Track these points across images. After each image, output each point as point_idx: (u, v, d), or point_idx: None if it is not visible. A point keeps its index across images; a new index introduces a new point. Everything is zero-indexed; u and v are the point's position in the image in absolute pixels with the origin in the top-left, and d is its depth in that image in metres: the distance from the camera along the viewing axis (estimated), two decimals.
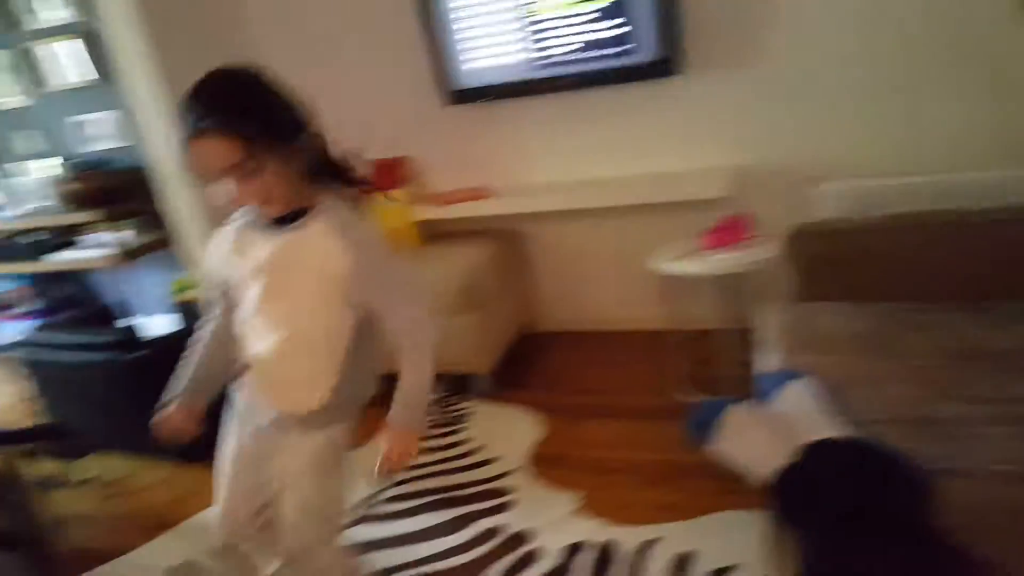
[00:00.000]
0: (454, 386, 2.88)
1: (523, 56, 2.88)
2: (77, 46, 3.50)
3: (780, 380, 1.40)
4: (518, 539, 1.95)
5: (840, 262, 1.94)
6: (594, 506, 2.04)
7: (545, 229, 3.22)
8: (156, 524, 2.29)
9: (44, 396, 2.83)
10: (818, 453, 1.19)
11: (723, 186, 2.64)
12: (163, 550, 2.16)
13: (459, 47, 2.93)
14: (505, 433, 2.50)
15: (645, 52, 2.70)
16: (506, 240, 3.14)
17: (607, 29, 2.72)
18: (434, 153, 3.23)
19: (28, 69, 3.67)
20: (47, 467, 2.33)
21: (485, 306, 2.75)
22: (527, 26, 2.82)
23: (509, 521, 2.03)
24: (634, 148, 2.95)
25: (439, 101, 3.05)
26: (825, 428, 1.25)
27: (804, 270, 1.96)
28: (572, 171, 3.07)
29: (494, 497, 2.15)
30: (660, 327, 2.99)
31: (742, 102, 2.75)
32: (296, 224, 1.28)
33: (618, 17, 2.68)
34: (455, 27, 2.90)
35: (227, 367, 1.50)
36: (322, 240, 1.27)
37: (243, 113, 1.17)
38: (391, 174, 3.09)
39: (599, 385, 2.77)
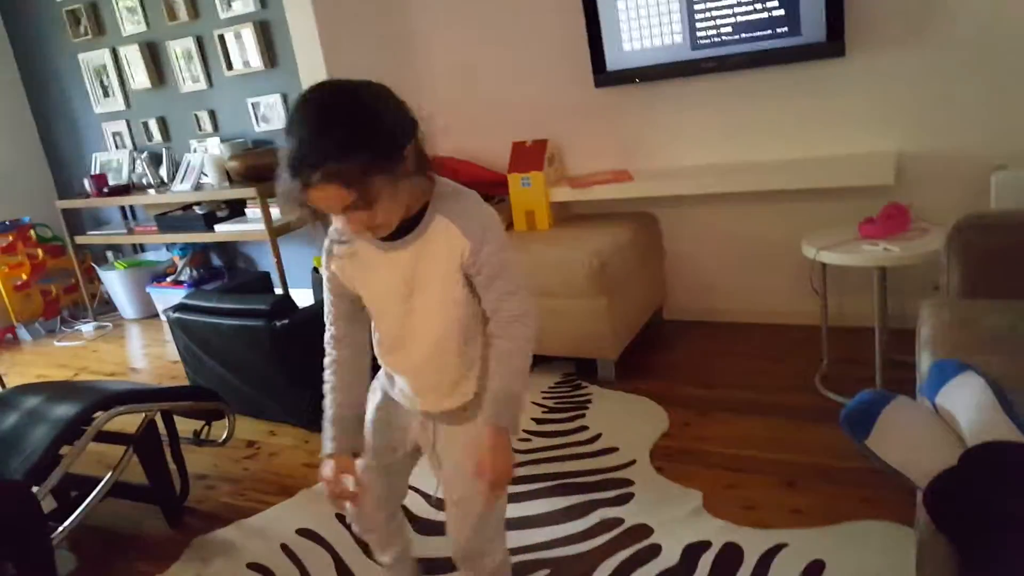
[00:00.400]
0: (578, 370, 2.86)
1: (679, 37, 2.84)
2: (253, 35, 3.78)
3: (945, 376, 1.26)
4: (638, 532, 1.90)
5: (1013, 257, 1.73)
6: (718, 505, 1.94)
7: (685, 214, 3.13)
8: (288, 487, 2.41)
9: (192, 358, 3.07)
10: (983, 457, 1.06)
11: (887, 173, 2.44)
12: (294, 512, 2.26)
13: (616, 28, 2.93)
14: (628, 422, 2.44)
15: (807, 31, 2.59)
16: (642, 224, 3.07)
17: (767, 8, 2.63)
18: (578, 135, 3.22)
19: (211, 56, 4.01)
20: (190, 425, 2.50)
21: (616, 290, 2.70)
22: (684, 6, 2.79)
23: (629, 513, 1.98)
24: (789, 132, 2.81)
25: (591, 82, 3.04)
26: (992, 430, 1.11)
27: (972, 264, 1.77)
28: (721, 155, 2.97)
29: (615, 487, 2.10)
30: (804, 322, 2.85)
31: (911, 83, 2.54)
32: (417, 231, 1.23)
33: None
34: (614, 7, 2.90)
35: (364, 394, 1.45)
36: (444, 236, 1.23)
37: (353, 152, 1.07)
38: (530, 156, 3.09)
39: (731, 379, 2.66)
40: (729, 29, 2.75)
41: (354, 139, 1.07)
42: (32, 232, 4.54)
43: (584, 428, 2.45)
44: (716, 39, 2.78)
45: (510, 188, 3.12)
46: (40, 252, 4.54)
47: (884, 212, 2.29)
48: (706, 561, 1.75)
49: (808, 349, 2.69)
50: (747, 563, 1.72)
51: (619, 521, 1.95)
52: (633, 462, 2.21)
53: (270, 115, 3.97)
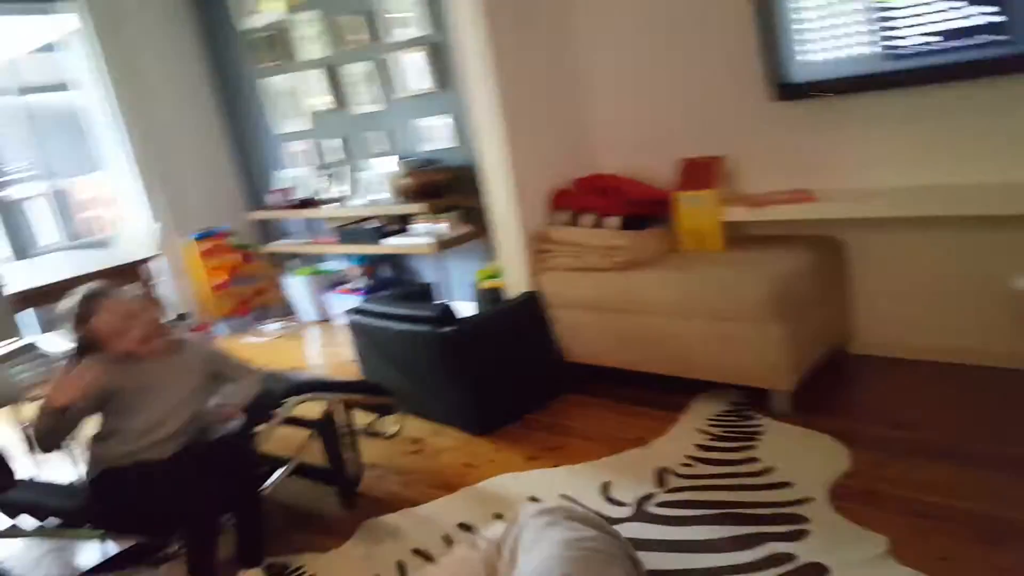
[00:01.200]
0: (749, 398, 2.74)
1: (868, 47, 2.65)
2: (422, 58, 4.01)
3: None
4: (812, 571, 1.79)
5: None
6: (906, 553, 1.79)
7: (872, 239, 2.92)
8: (450, 484, 2.51)
9: (366, 358, 3.27)
10: None
11: None
12: (454, 507, 2.36)
13: (796, 38, 2.79)
14: (802, 458, 2.31)
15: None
16: (823, 249, 2.90)
17: (975, 15, 2.39)
18: (753, 153, 3.11)
19: (382, 79, 4.30)
20: (363, 418, 2.67)
21: (794, 318, 2.57)
22: (876, 13, 2.59)
23: (803, 550, 1.87)
24: (1000, 152, 2.55)
25: (766, 96, 2.92)
26: None
27: None
28: (916, 177, 2.74)
29: (787, 523, 1.99)
30: (1015, 365, 2.57)
31: None
32: None
33: (990, 3, 2.35)
34: (794, 16, 2.76)
35: None
36: None
37: None
38: (702, 173, 3.04)
39: (926, 421, 2.42)
40: (932, 37, 2.52)
41: None
42: (229, 239, 5.05)
43: (754, 460, 2.35)
44: (915, 49, 2.56)
45: (679, 207, 3.07)
46: (235, 257, 5.04)
47: None
48: None
49: (1019, 394, 2.42)
50: None
51: (791, 557, 1.85)
52: (809, 499, 2.08)
53: (439, 135, 4.17)
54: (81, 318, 2.02)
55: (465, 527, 2.22)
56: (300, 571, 2.14)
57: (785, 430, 2.51)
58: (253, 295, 5.12)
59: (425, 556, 2.10)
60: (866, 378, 2.85)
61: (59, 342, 3.18)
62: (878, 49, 2.64)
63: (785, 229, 3.05)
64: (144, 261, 3.37)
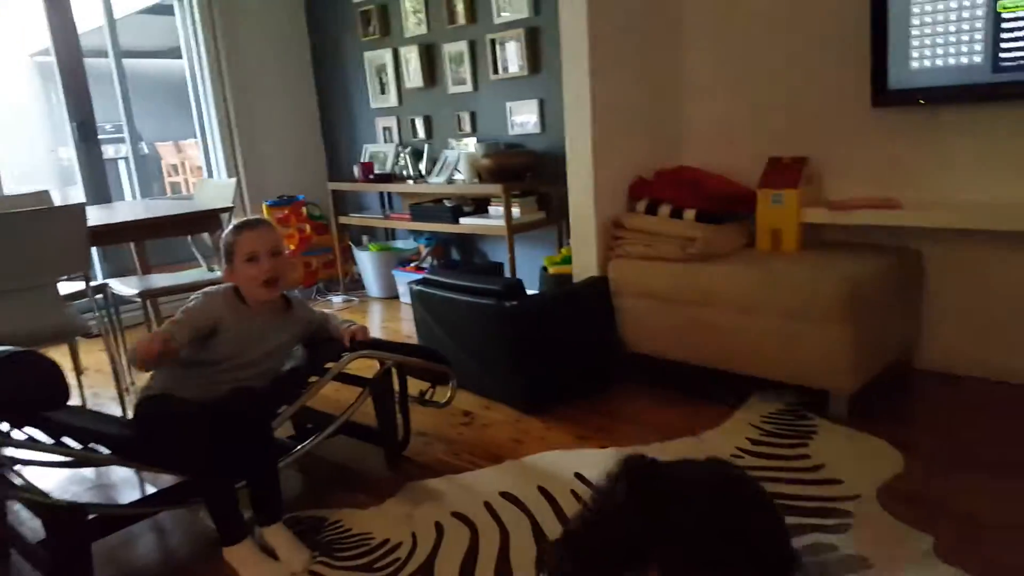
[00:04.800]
0: (806, 399, 2.83)
1: (978, 57, 2.71)
2: (521, 40, 4.21)
3: None
4: (853, 562, 1.86)
5: None
6: (953, 555, 1.84)
7: (956, 254, 2.96)
8: (496, 456, 2.66)
9: (425, 329, 3.45)
10: None
11: None
12: (498, 477, 2.50)
13: (907, 41, 2.86)
14: (854, 458, 2.38)
15: None
16: (903, 259, 2.96)
17: None
18: (842, 157, 3.19)
19: (476, 60, 4.53)
20: (417, 385, 2.83)
21: (863, 322, 2.64)
22: (990, 20, 2.65)
23: (845, 543, 1.95)
24: None
25: (869, 101, 3.00)
26: None
27: None
28: (1005, 193, 2.79)
29: (833, 516, 2.07)
30: None
31: None
32: None
33: None
34: (909, 21, 2.84)
35: None
36: None
37: None
38: (787, 172, 3.12)
39: (981, 438, 2.49)
40: None
41: None
42: (304, 209, 5.37)
43: (805, 456, 2.43)
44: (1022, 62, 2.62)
45: (759, 204, 3.16)
46: (308, 227, 5.35)
47: None
48: None
49: None
50: None
51: (833, 547, 1.93)
52: (857, 496, 2.16)
53: (526, 120, 4.36)
54: (239, 226, 2.27)
55: (507, 496, 2.36)
56: (336, 525, 2.27)
57: (839, 431, 2.59)
58: (321, 266, 5.42)
59: (465, 520, 2.24)
60: (928, 391, 2.92)
61: (125, 287, 3.51)
62: (986, 59, 2.69)
63: (865, 237, 3.11)
64: (218, 212, 3.58)
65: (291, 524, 2.18)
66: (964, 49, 2.74)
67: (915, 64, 2.87)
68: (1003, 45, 2.65)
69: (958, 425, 2.60)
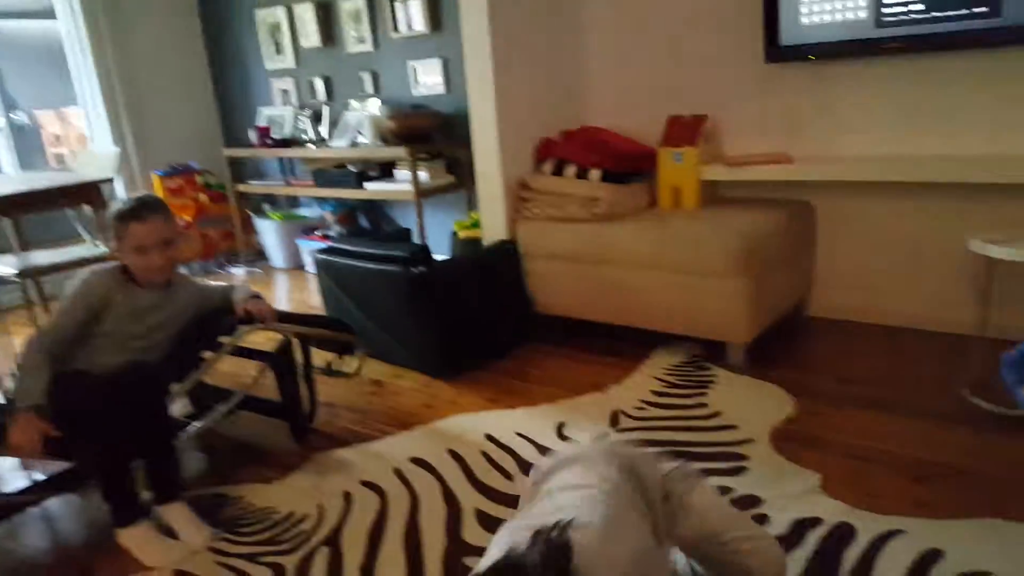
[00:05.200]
0: (706, 351, 2.96)
1: (863, 12, 2.84)
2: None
3: None
4: (747, 502, 1.97)
5: None
6: (836, 489, 1.99)
7: (845, 206, 3.13)
8: (407, 423, 2.67)
9: (331, 299, 3.41)
10: None
11: None
12: (409, 443, 2.52)
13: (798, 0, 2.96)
14: (750, 405, 2.51)
15: (1009, 12, 2.54)
16: (796, 213, 3.11)
17: None
18: (739, 114, 3.30)
19: (375, 18, 4.43)
20: (323, 356, 2.80)
21: (758, 274, 2.76)
22: None
23: (740, 484, 2.06)
24: (977, 124, 2.77)
25: (760, 57, 3.10)
26: None
27: None
28: (895, 145, 2.96)
29: (728, 460, 2.19)
30: (963, 331, 2.81)
31: None
32: None
33: None
34: None
35: None
36: None
37: None
38: (686, 130, 3.20)
39: (870, 377, 2.68)
40: (920, 7, 2.71)
41: None
42: (198, 177, 5.17)
43: (704, 405, 2.55)
44: (904, 17, 2.75)
45: (660, 163, 3.24)
46: (204, 197, 5.15)
47: None
48: (815, 536, 1.80)
49: (961, 357, 2.67)
50: (859, 543, 1.76)
51: (729, 490, 2.04)
52: (751, 440, 2.29)
53: (429, 80, 4.31)
54: (126, 215, 2.14)
55: (418, 462, 2.38)
56: (239, 501, 2.24)
57: (736, 380, 2.73)
58: (220, 238, 5.25)
59: (374, 488, 2.25)
60: (819, 338, 3.12)
61: (2, 266, 3.31)
62: (870, 15, 2.82)
63: (761, 192, 3.25)
64: (97, 184, 3.39)
65: (192, 503, 2.14)
66: (850, 4, 2.86)
67: (805, 20, 2.98)
68: (885, 1, 2.78)
69: (845, 368, 2.78)
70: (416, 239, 4.15)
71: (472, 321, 3.12)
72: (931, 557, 1.68)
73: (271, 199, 5.38)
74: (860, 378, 2.68)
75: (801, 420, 2.41)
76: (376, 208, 4.91)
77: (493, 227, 3.41)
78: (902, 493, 1.95)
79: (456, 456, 2.38)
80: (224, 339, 2.38)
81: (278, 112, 5.10)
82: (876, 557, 1.70)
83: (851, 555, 1.72)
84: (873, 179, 2.89)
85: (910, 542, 1.73)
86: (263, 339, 2.50)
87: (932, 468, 2.05)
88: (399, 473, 2.32)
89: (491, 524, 1.98)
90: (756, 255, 2.74)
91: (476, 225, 3.71)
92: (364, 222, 4.96)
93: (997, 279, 2.39)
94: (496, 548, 1.17)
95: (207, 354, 2.38)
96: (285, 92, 5.10)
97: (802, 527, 1.84)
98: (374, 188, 4.29)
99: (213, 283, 2.48)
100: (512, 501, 2.07)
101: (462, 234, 3.90)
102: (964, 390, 2.44)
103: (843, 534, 1.80)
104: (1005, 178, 2.56)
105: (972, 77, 2.73)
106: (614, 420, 2.52)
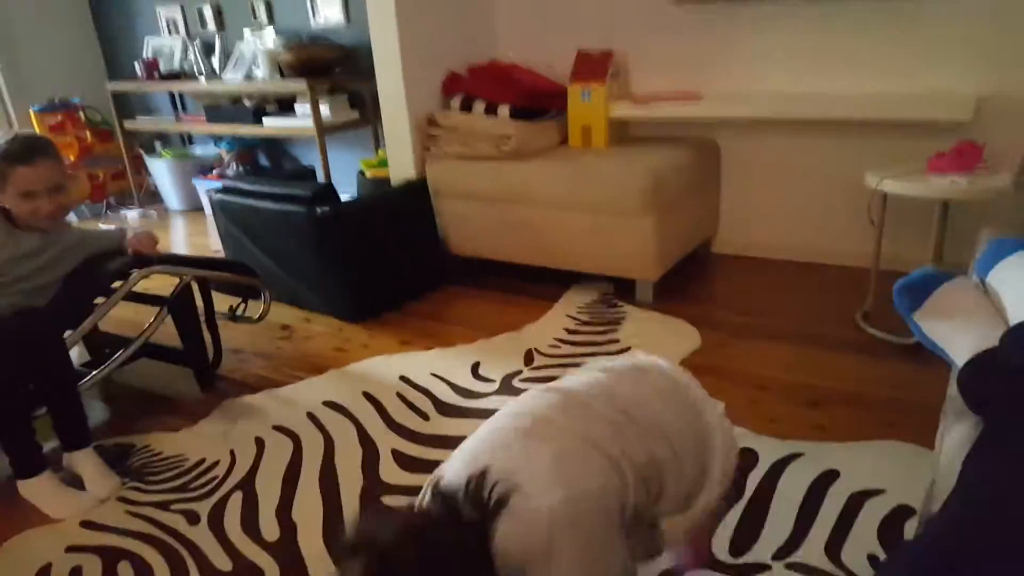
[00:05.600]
0: (617, 289, 3.03)
1: None
2: None
3: (1003, 253, 1.30)
4: None
5: None
6: (739, 416, 2.09)
7: (749, 144, 3.22)
8: (319, 367, 2.64)
9: (231, 242, 3.29)
10: (1020, 336, 1.12)
11: (966, 108, 2.55)
12: (321, 387, 2.49)
13: None
14: (660, 339, 2.60)
15: None
16: (703, 151, 3.18)
17: None
18: (647, 51, 3.32)
19: None
20: (227, 300, 2.72)
21: (666, 212, 2.83)
22: None
23: None
24: (870, 63, 2.89)
25: None
26: None
27: None
28: (797, 83, 3.06)
29: None
30: (858, 264, 2.98)
31: (999, 19, 2.58)
32: None
33: None
34: None
35: None
36: None
37: None
38: (594, 67, 3.19)
39: (770, 309, 2.83)
40: None
41: None
42: (81, 114, 4.83)
43: (615, 341, 2.62)
44: None
45: (569, 101, 3.23)
46: (89, 135, 4.84)
47: (956, 148, 2.36)
48: None
49: (855, 288, 2.82)
50: (761, 466, 1.87)
51: None
52: None
53: (329, 10, 4.13)
54: (13, 157, 1.98)
55: (331, 405, 2.37)
56: (146, 450, 2.19)
57: (646, 316, 2.82)
58: (110, 178, 4.96)
59: (287, 432, 2.22)
60: (724, 273, 3.27)
61: None
62: None
63: (670, 131, 3.31)
64: None
65: (97, 453, 2.07)
66: None
67: None
68: None
69: (748, 302, 2.92)
70: (320, 178, 4.03)
71: (383, 263, 3.07)
72: (828, 477, 1.80)
73: (163, 137, 5.10)
74: (761, 311, 2.81)
75: (706, 352, 2.52)
76: (276, 146, 4.73)
77: (401, 165, 3.35)
78: (801, 419, 2.07)
79: (371, 398, 2.38)
80: (118, 284, 2.27)
81: (166, 43, 4.79)
82: (778, 480, 1.81)
83: (754, 478, 1.82)
84: (776, 117, 2.98)
85: (808, 464, 1.86)
86: (161, 284, 2.39)
87: (828, 394, 2.19)
88: (312, 417, 2.30)
89: (408, 464, 2.00)
90: (664, 193, 2.80)
91: (384, 164, 3.62)
92: (264, 161, 4.77)
93: (891, 213, 2.52)
94: (460, 460, 1.09)
95: (100, 300, 2.27)
96: (172, 21, 4.79)
97: None
98: (273, 124, 4.12)
99: (104, 227, 2.35)
100: (429, 440, 2.10)
101: (369, 173, 3.80)
102: (859, 320, 2.60)
103: (746, 458, 1.90)
104: (898, 115, 2.70)
105: (869, 19, 2.83)
106: (528, 358, 2.56)
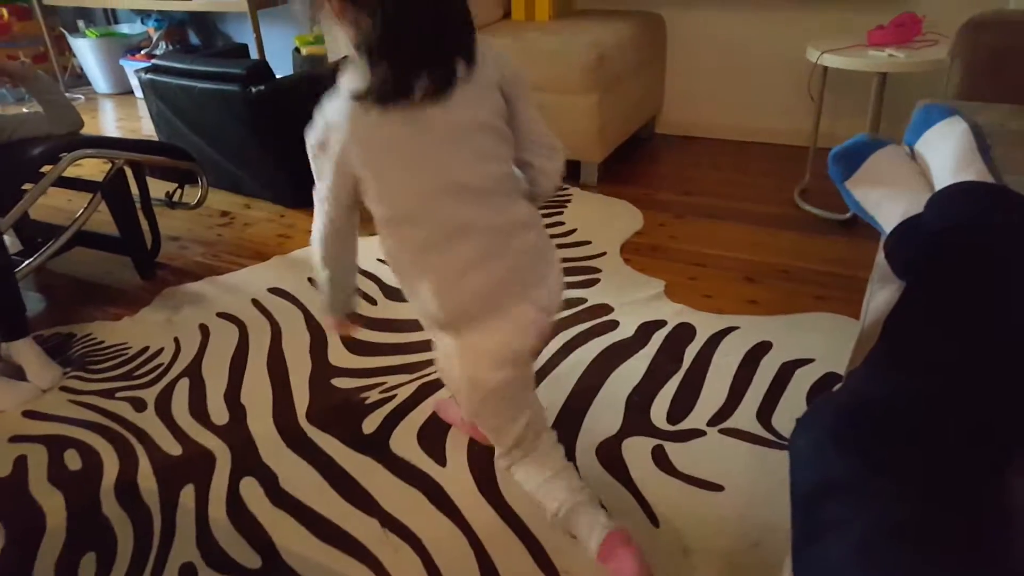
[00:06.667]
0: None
1: None
2: None
3: (931, 120, 1.30)
4: (598, 310, 2.08)
5: (1010, 57, 1.79)
6: (678, 293, 2.13)
7: (692, 18, 3.14)
8: (262, 254, 2.57)
9: (164, 125, 3.12)
10: (942, 199, 1.12)
11: None
12: (265, 274, 2.44)
13: None
14: (604, 221, 2.59)
15: None
16: (647, 24, 3.07)
17: None
18: None
19: None
20: (163, 187, 2.60)
21: (611, 89, 2.75)
22: None
23: (592, 295, 2.15)
24: None
25: None
26: (963, 176, 1.14)
27: (969, 67, 1.83)
28: None
29: (583, 273, 2.27)
30: (798, 142, 2.97)
31: None
32: None
33: None
34: None
35: None
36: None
37: None
38: None
39: (711, 189, 2.84)
40: None
41: None
42: None
43: (561, 224, 2.60)
44: None
45: None
46: (4, 12, 4.46)
47: (896, 20, 2.32)
48: (659, 336, 1.94)
49: (795, 166, 2.84)
50: (698, 340, 1.91)
51: (582, 300, 2.13)
52: (603, 254, 2.38)
53: None
54: None
55: (276, 291, 2.32)
56: (88, 339, 2.13)
57: (590, 198, 2.80)
58: (31, 60, 4.61)
59: (232, 319, 2.18)
60: (667, 154, 3.25)
61: None
62: None
63: (614, 4, 3.17)
64: None
65: (36, 343, 2.00)
66: None
67: None
68: None
69: (689, 182, 2.91)
70: (254, 56, 3.80)
71: None
72: (762, 348, 1.85)
73: (86, 14, 4.73)
74: (703, 191, 2.82)
75: (648, 232, 2.53)
76: (207, 22, 4.44)
77: (338, 42, 3.17)
78: (736, 294, 2.11)
79: (313, 283, 2.33)
80: (46, 168, 2.14)
81: None
82: (713, 351, 1.86)
83: (691, 351, 1.87)
84: None
85: (743, 336, 1.90)
86: (93, 171, 2.27)
87: (763, 269, 2.23)
88: (258, 304, 2.26)
89: (357, 347, 1.99)
90: (607, 68, 2.71)
91: (320, 41, 3.44)
92: (195, 39, 4.48)
93: (831, 88, 2.50)
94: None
95: (29, 187, 2.14)
96: None
97: (648, 329, 1.97)
98: None
99: (25, 110, 2.19)
100: (378, 324, 2.09)
101: (305, 50, 3.61)
102: (797, 197, 2.62)
103: (684, 333, 1.94)
104: None
105: None
106: None
